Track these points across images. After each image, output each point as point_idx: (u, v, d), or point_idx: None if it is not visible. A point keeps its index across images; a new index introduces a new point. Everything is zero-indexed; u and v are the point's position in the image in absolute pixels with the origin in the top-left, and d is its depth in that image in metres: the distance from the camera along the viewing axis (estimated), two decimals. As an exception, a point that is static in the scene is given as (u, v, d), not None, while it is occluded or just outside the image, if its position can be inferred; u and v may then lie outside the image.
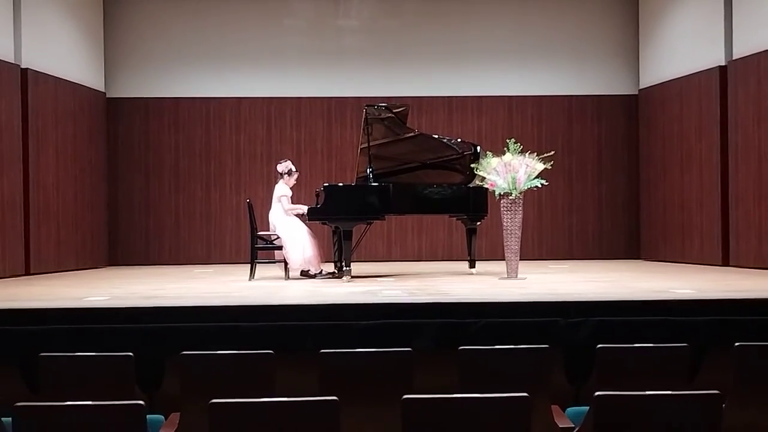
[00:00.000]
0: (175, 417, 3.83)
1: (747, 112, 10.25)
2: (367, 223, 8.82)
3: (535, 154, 8.10)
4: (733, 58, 10.52)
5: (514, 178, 7.90)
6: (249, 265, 8.82)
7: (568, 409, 4.06)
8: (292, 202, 8.88)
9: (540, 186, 8.08)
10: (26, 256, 10.27)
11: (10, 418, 3.09)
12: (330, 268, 9.12)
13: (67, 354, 4.09)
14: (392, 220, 12.02)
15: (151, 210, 12.66)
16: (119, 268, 11.81)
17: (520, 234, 8.15)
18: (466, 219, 9.22)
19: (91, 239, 11.90)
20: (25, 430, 3.00)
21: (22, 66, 10.31)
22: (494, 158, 8.06)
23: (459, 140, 9.57)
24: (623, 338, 4.81)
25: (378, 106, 8.89)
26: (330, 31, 12.80)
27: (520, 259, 8.32)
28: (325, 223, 9.03)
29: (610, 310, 5.54)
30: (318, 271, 8.72)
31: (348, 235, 8.28)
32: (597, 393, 3.04)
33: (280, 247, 8.65)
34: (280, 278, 8.64)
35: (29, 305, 6.06)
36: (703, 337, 5.10)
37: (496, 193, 8.07)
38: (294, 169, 8.94)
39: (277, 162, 9.17)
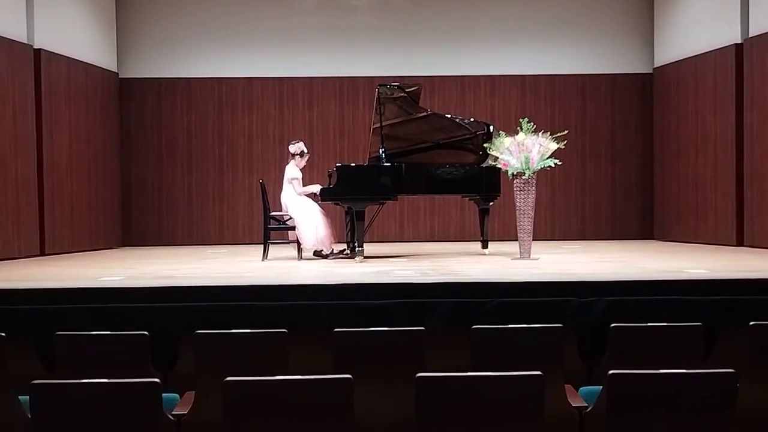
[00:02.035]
0: (189, 395, 3.86)
1: (763, 91, 10.15)
2: (380, 204, 8.81)
3: (549, 133, 8.05)
4: (750, 36, 10.40)
5: (527, 158, 7.86)
6: (262, 245, 8.84)
7: (582, 388, 4.06)
8: (303, 184, 8.87)
9: (553, 166, 8.04)
10: (41, 237, 10.34)
11: (27, 397, 3.12)
12: (342, 248, 9.12)
13: (83, 333, 4.12)
14: (405, 200, 12.00)
15: (164, 190, 12.69)
16: (133, 249, 11.87)
17: (533, 214, 8.12)
18: (479, 199, 9.20)
19: (104, 219, 11.96)
20: (41, 407, 3.03)
21: (35, 46, 10.32)
22: (507, 138, 8.02)
23: (472, 120, 9.53)
24: (636, 318, 4.80)
25: (390, 86, 8.86)
26: (341, 10, 12.74)
27: (533, 239, 8.31)
28: (337, 204, 9.03)
29: (624, 290, 5.53)
30: (330, 251, 8.73)
31: (360, 215, 8.28)
32: (611, 371, 3.04)
33: (292, 228, 8.67)
34: (293, 258, 8.66)
35: (45, 285, 6.10)
36: (716, 316, 5.09)
37: (509, 173, 8.04)
38: (306, 150, 8.94)
39: (290, 142, 9.16)
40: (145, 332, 4.01)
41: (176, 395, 3.99)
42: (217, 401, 3.05)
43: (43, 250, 10.33)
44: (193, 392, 3.80)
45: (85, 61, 11.46)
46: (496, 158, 8.26)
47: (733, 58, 10.59)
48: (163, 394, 3.28)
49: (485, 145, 8.66)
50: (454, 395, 2.99)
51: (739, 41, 10.55)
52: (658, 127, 12.52)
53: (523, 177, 7.98)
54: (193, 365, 3.87)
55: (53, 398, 3.04)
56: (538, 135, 7.93)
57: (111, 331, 4.20)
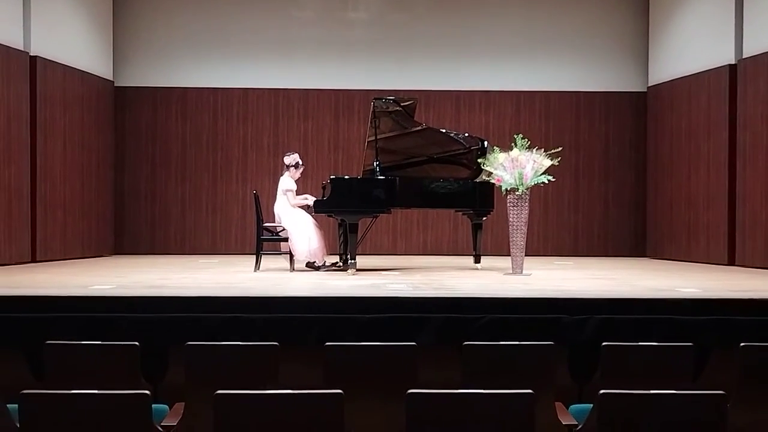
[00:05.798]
0: (179, 407, 3.84)
1: (756, 112, 10.21)
2: (373, 217, 8.82)
3: (543, 150, 8.08)
4: (743, 57, 10.47)
5: (520, 174, 7.89)
6: (254, 256, 8.83)
7: (572, 406, 4.06)
8: (297, 195, 8.88)
9: (547, 182, 8.07)
10: (32, 244, 10.30)
11: (16, 405, 3.10)
12: (335, 260, 9.12)
13: (73, 342, 4.11)
14: (398, 213, 12.01)
15: (158, 199, 12.68)
16: (125, 257, 11.84)
17: (525, 230, 8.14)
18: (472, 214, 9.21)
19: (97, 227, 11.93)
20: (30, 417, 3.01)
21: (31, 54, 10.32)
22: (501, 153, 8.05)
23: (466, 135, 9.56)
24: (628, 336, 4.81)
25: (386, 99, 8.88)
26: (339, 24, 12.78)
27: (526, 255, 8.31)
28: (330, 216, 9.04)
29: (615, 308, 5.53)
30: (323, 263, 8.72)
31: (353, 227, 8.27)
32: (601, 391, 3.04)
33: (285, 239, 8.66)
34: (285, 270, 8.65)
35: (35, 293, 6.07)
36: (707, 336, 5.09)
37: (503, 188, 8.06)
38: (301, 162, 8.95)
39: (285, 154, 9.17)
40: (136, 343, 3.99)
41: (166, 406, 3.97)
42: (207, 413, 3.04)
43: (34, 257, 10.29)
44: (183, 404, 3.79)
45: (80, 68, 11.46)
46: (490, 173, 8.28)
47: (727, 79, 10.66)
48: (153, 405, 3.27)
49: (479, 160, 8.68)
50: (444, 412, 2.98)
51: (733, 62, 10.62)
52: (651, 146, 12.58)
53: (517, 193, 8.00)
54: (183, 377, 3.86)
55: (42, 408, 3.02)
56: (532, 151, 7.96)
57: (102, 340, 4.18)
